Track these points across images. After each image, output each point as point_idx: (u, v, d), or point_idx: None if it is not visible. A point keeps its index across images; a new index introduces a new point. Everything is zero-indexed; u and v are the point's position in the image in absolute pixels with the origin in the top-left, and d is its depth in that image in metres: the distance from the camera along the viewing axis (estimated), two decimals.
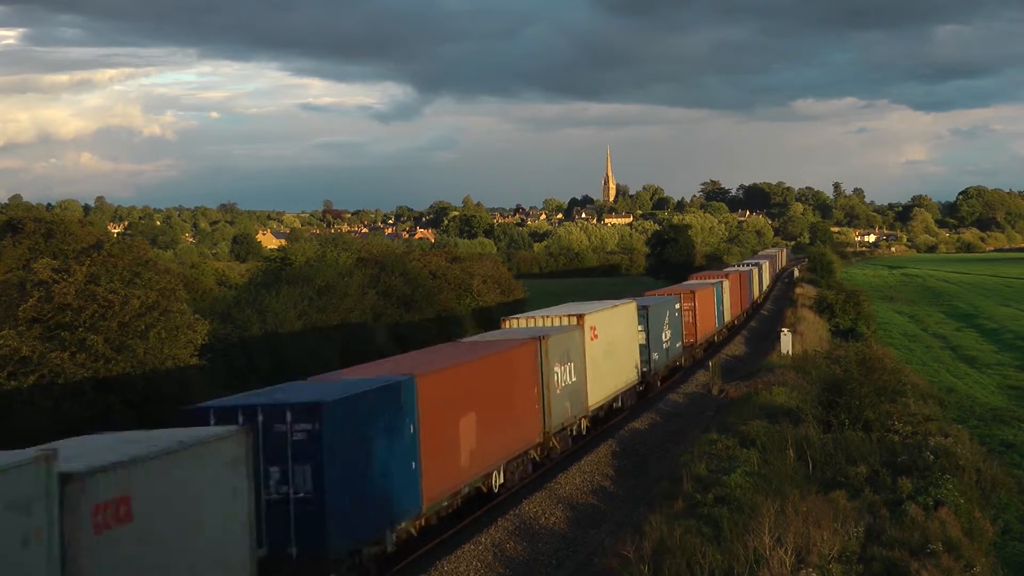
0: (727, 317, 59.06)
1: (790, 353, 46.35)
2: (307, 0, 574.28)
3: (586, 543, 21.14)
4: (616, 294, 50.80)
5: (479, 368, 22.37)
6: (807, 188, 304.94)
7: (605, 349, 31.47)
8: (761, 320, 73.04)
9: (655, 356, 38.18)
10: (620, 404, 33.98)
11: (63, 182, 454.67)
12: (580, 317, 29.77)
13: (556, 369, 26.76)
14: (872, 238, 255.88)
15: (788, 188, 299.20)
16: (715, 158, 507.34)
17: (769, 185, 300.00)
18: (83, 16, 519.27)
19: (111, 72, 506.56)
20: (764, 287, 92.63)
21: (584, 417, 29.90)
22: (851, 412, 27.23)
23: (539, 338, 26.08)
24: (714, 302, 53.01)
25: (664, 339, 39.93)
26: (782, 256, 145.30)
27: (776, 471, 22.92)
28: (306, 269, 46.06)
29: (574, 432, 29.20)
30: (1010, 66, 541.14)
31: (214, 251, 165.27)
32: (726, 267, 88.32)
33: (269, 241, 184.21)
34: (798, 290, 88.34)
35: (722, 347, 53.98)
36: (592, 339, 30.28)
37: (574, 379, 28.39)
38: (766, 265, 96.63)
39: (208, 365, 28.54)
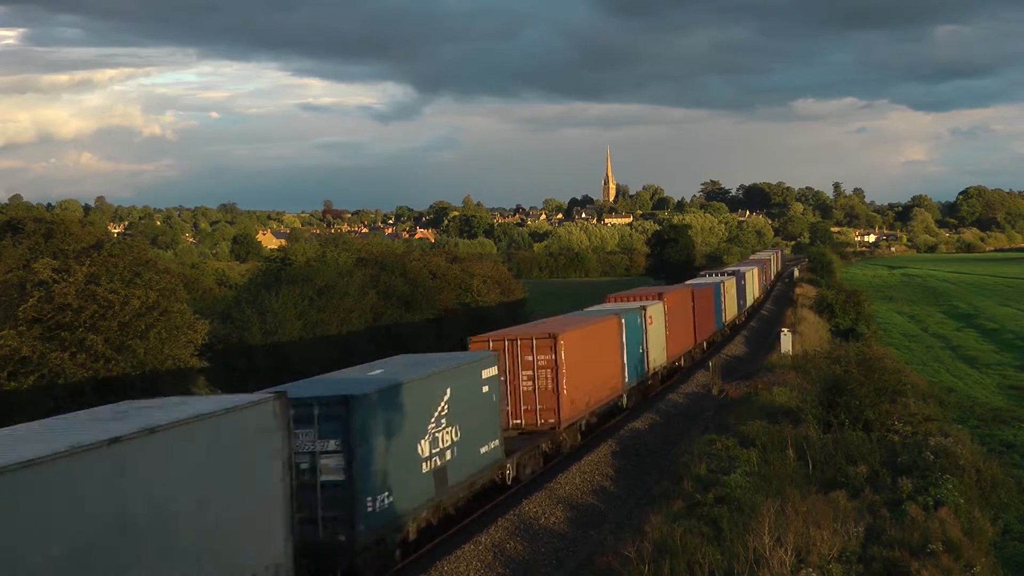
0: (658, 360, 39.26)
1: (790, 353, 46.37)
2: (307, 0, 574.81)
3: (586, 543, 21.14)
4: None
5: None
6: (807, 188, 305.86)
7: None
8: (761, 320, 73.05)
9: (379, 501, 17.91)
10: None
11: (63, 182, 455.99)
12: None
13: None
14: (872, 238, 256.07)
15: (788, 188, 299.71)
16: (715, 158, 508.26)
17: (769, 185, 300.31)
18: (83, 16, 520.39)
19: (111, 72, 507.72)
20: (752, 300, 76.38)
21: None
22: (851, 412, 27.22)
23: None
24: (617, 345, 33.57)
25: (428, 453, 20.02)
26: (777, 259, 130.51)
27: (776, 471, 22.94)
28: (306, 269, 46.01)
29: None
30: (1010, 66, 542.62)
31: (214, 251, 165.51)
32: (692, 278, 68.89)
33: (269, 241, 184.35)
34: (798, 290, 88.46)
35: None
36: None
37: None
38: (752, 273, 77.05)
39: (208, 365, 28.57)
